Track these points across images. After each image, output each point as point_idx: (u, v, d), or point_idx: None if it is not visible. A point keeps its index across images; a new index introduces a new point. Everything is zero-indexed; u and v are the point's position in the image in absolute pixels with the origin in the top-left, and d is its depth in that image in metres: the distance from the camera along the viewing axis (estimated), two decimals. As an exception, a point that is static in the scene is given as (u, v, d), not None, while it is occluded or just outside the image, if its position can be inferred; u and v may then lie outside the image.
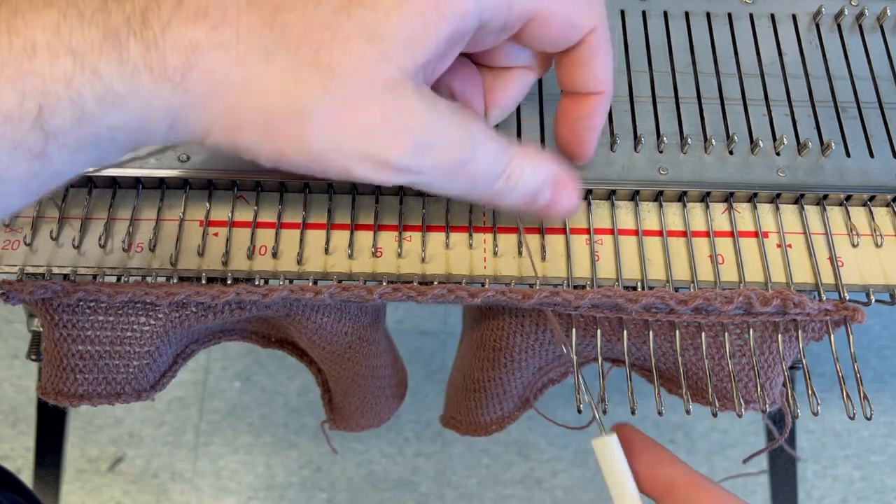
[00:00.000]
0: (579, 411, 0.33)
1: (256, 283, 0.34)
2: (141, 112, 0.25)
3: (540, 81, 0.38)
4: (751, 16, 0.42)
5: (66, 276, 0.34)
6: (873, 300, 0.35)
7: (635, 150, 0.37)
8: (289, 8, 0.25)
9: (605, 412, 0.34)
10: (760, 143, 0.37)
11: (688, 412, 0.34)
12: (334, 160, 0.26)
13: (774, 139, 0.38)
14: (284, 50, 0.25)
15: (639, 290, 0.34)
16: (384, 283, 0.34)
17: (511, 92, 0.33)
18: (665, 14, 0.41)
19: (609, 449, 0.30)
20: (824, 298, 0.34)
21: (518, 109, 0.37)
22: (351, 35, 0.25)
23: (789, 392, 0.35)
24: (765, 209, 0.37)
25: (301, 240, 0.35)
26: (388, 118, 0.26)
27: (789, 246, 0.36)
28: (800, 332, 0.34)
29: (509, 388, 0.40)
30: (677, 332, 0.35)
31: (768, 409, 0.35)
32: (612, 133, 0.37)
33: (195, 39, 0.24)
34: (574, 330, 0.35)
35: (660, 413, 0.33)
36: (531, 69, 0.33)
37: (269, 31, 0.25)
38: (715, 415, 0.34)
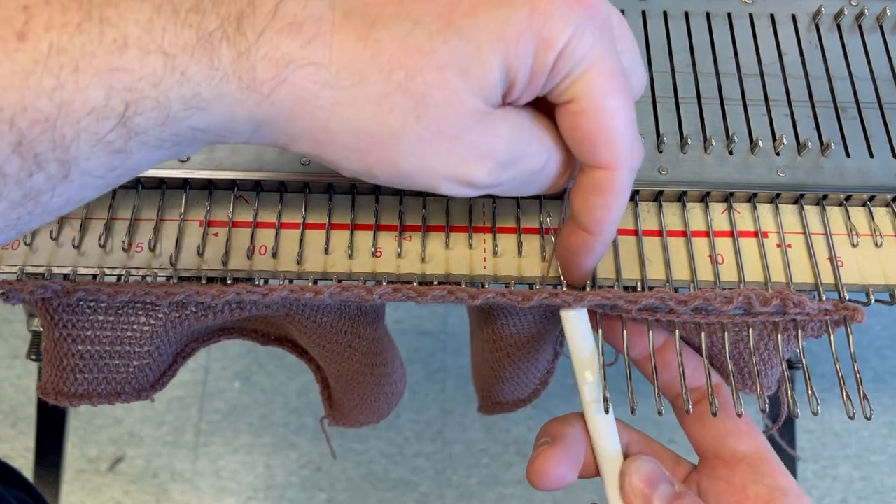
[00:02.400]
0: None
1: (256, 283, 0.34)
2: (224, 117, 0.24)
3: None
4: (750, 16, 0.42)
5: (66, 276, 0.34)
6: (873, 300, 0.35)
7: (635, 150, 0.37)
8: (384, 25, 0.25)
9: (606, 411, 0.34)
10: (760, 143, 0.37)
11: (687, 412, 0.34)
12: (422, 179, 0.27)
13: (774, 139, 0.38)
14: (378, 72, 0.25)
15: (638, 290, 0.34)
16: (384, 284, 0.34)
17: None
18: (665, 14, 0.41)
19: (576, 321, 0.33)
20: (824, 298, 0.34)
21: None
22: (445, 65, 0.25)
23: (789, 392, 0.35)
24: (764, 209, 0.37)
25: (301, 240, 0.35)
26: (477, 145, 0.27)
27: (789, 246, 0.36)
28: (799, 331, 0.34)
29: (535, 365, 0.42)
30: (677, 332, 0.35)
31: (767, 407, 0.35)
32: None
33: (288, 54, 0.24)
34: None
35: (660, 413, 0.33)
36: None
37: (363, 49, 0.25)
38: (714, 414, 0.34)
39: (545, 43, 0.25)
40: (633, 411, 0.33)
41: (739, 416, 0.34)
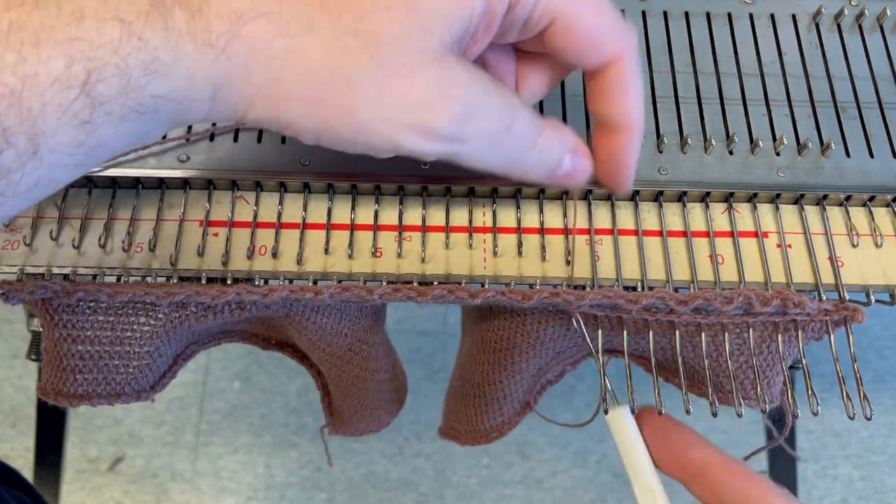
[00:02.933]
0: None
1: (256, 283, 0.34)
2: (184, 81, 0.25)
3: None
4: (751, 16, 0.42)
5: (66, 276, 0.34)
6: (873, 300, 0.35)
7: (635, 150, 0.37)
8: None
9: (606, 412, 0.34)
10: (760, 143, 0.37)
11: (688, 412, 0.34)
12: (382, 130, 0.27)
13: (774, 139, 0.38)
14: (327, 18, 0.25)
15: (639, 290, 0.34)
16: (384, 284, 0.34)
17: (543, 78, 0.33)
18: (665, 14, 0.41)
19: (621, 421, 0.30)
20: (824, 298, 0.34)
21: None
22: (392, 5, 0.25)
23: (789, 392, 0.35)
24: (765, 209, 0.37)
25: (301, 240, 0.35)
26: (435, 86, 0.26)
27: (789, 246, 0.36)
28: (800, 332, 0.34)
29: (510, 392, 0.40)
30: (677, 332, 0.35)
31: (768, 409, 0.35)
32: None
33: (239, 8, 0.25)
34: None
35: (660, 413, 0.33)
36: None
37: None
38: (715, 414, 0.34)
39: None
40: (632, 411, 0.33)
41: (740, 416, 0.34)
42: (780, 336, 0.34)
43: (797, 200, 0.37)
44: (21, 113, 0.22)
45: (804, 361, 0.35)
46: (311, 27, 0.25)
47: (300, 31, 0.25)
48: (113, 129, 0.25)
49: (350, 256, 0.35)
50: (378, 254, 0.35)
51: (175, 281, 0.34)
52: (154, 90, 0.25)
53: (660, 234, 0.36)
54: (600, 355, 0.35)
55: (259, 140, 0.37)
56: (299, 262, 0.35)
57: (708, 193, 0.36)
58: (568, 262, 0.35)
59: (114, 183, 0.36)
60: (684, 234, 0.36)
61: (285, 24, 0.25)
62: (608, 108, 0.30)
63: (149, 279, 0.34)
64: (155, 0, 0.24)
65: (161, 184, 0.36)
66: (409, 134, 0.27)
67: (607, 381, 0.32)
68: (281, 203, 0.36)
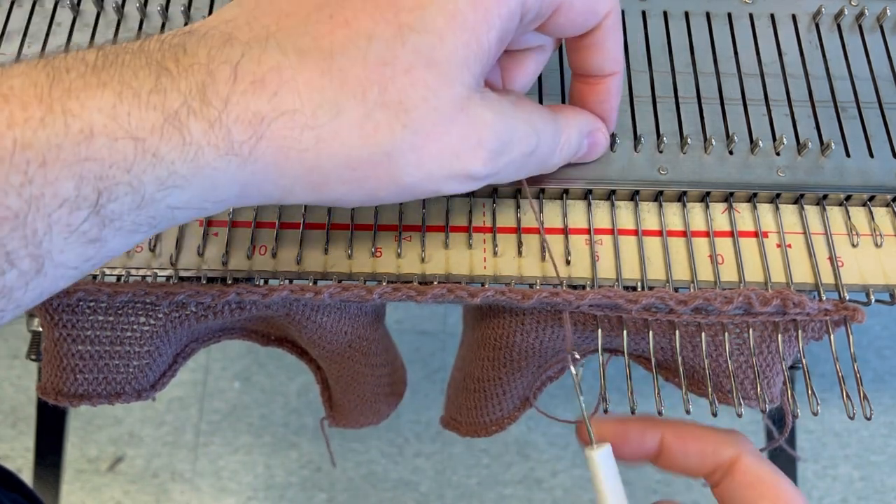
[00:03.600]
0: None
1: (256, 283, 0.34)
2: (205, 190, 0.24)
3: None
4: (751, 16, 0.42)
5: (65, 276, 0.34)
6: (873, 300, 0.35)
7: (635, 150, 0.37)
8: (340, 51, 0.25)
9: (605, 411, 0.34)
10: (760, 143, 0.37)
11: (688, 412, 0.34)
12: (424, 186, 0.27)
13: (774, 139, 0.38)
14: (352, 98, 0.25)
15: (639, 289, 0.34)
16: (384, 283, 0.34)
17: (527, 71, 0.33)
18: (665, 14, 0.41)
19: (601, 460, 0.30)
20: (824, 298, 0.34)
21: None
22: (410, 66, 0.25)
23: (789, 392, 0.35)
24: (765, 209, 0.37)
25: (301, 240, 0.35)
26: (466, 137, 0.27)
27: (789, 246, 0.36)
28: (800, 332, 0.34)
29: (509, 388, 0.40)
30: (677, 332, 0.34)
31: (767, 409, 0.35)
32: (611, 133, 0.37)
33: (259, 111, 0.24)
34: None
35: (659, 413, 0.33)
36: (545, 48, 0.33)
37: (330, 81, 0.24)
38: (715, 414, 0.34)
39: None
40: (633, 411, 0.33)
41: (739, 416, 0.34)
42: (780, 336, 0.34)
43: (797, 200, 0.37)
44: (26, 235, 0.21)
45: (804, 361, 0.35)
46: (338, 112, 0.25)
47: (328, 119, 0.25)
48: (123, 241, 0.24)
49: (350, 256, 0.35)
50: (378, 254, 0.35)
51: (175, 281, 0.34)
52: (171, 202, 0.24)
53: (660, 234, 0.36)
54: (601, 356, 0.35)
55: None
56: (299, 262, 0.35)
57: (708, 193, 0.36)
58: (568, 262, 0.35)
59: (114, 183, 0.36)
60: (684, 234, 0.36)
61: (310, 116, 0.24)
62: (598, 58, 0.31)
63: (149, 279, 0.34)
64: (168, 113, 0.23)
65: (161, 184, 0.36)
66: (449, 183, 0.27)
67: (580, 392, 0.32)
68: (281, 203, 0.36)
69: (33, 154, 0.21)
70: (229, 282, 0.35)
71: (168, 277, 0.35)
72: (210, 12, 0.40)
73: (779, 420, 0.37)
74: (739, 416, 0.34)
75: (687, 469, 0.31)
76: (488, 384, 0.40)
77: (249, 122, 0.24)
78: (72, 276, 0.24)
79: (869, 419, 0.33)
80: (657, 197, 0.37)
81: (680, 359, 0.35)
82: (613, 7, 0.30)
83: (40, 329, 0.49)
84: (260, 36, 0.25)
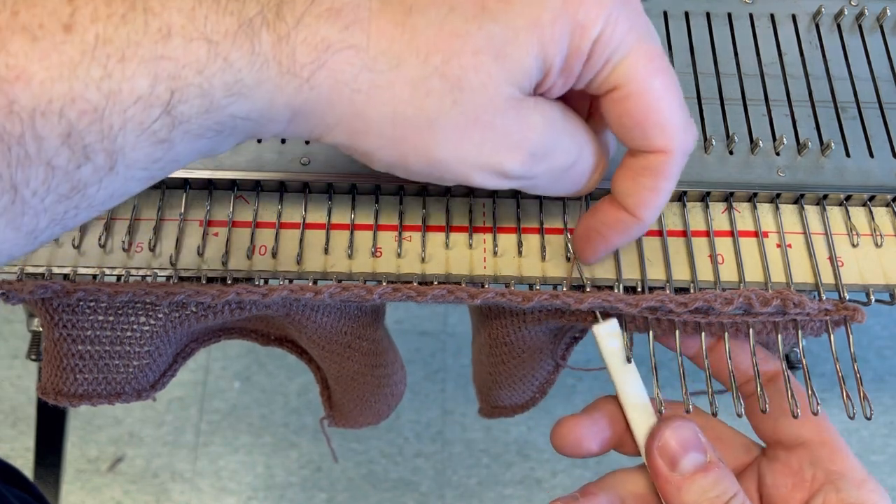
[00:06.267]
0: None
1: (256, 283, 0.34)
2: (264, 104, 0.25)
3: None
4: (751, 16, 0.42)
5: (66, 276, 0.34)
6: (873, 300, 0.35)
7: (635, 150, 0.37)
8: (421, 11, 0.25)
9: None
10: (760, 143, 0.37)
11: (688, 412, 0.34)
12: (455, 168, 0.27)
13: (774, 139, 0.38)
14: (415, 57, 0.25)
15: (639, 290, 0.34)
16: (384, 283, 0.34)
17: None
18: (665, 14, 0.41)
19: (611, 335, 0.30)
20: (824, 298, 0.34)
21: None
22: (480, 49, 0.25)
23: (790, 392, 0.34)
24: (765, 209, 0.37)
25: (301, 240, 0.35)
26: (510, 133, 0.27)
27: (789, 246, 0.36)
28: (800, 331, 0.34)
29: (533, 369, 0.41)
30: (677, 332, 0.35)
31: (767, 409, 0.35)
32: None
33: (327, 38, 0.24)
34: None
35: (660, 413, 0.33)
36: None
37: (401, 34, 0.25)
38: (715, 414, 0.34)
39: (580, 28, 0.26)
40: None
41: (740, 416, 0.34)
42: (780, 336, 0.34)
43: (797, 200, 0.37)
44: (102, 130, 0.22)
45: (804, 361, 0.35)
46: (399, 64, 0.25)
47: (387, 68, 0.25)
48: (189, 146, 0.24)
49: (350, 256, 0.35)
50: (378, 254, 0.35)
51: (175, 281, 0.34)
52: (234, 111, 0.24)
53: (660, 234, 0.36)
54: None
55: (259, 140, 0.37)
56: (299, 262, 0.35)
57: (708, 193, 0.36)
58: (568, 259, 0.35)
59: (114, 183, 0.36)
60: (684, 233, 0.36)
61: (372, 59, 0.25)
62: (628, 187, 0.30)
63: (149, 279, 0.34)
64: (243, 20, 0.23)
65: (161, 184, 0.36)
66: (481, 174, 0.27)
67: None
68: (281, 203, 0.36)
69: (113, 49, 0.22)
70: (229, 282, 0.34)
71: (168, 277, 0.35)
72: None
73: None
74: (740, 416, 0.34)
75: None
76: (511, 378, 0.42)
77: (315, 46, 0.24)
78: (140, 178, 0.24)
79: (869, 419, 0.33)
80: (657, 197, 0.37)
81: (680, 359, 0.35)
82: (672, 153, 0.28)
83: (40, 329, 0.49)
84: None
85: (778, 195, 0.36)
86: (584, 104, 0.32)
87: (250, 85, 0.24)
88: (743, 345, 0.34)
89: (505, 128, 0.27)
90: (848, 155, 0.37)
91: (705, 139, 0.37)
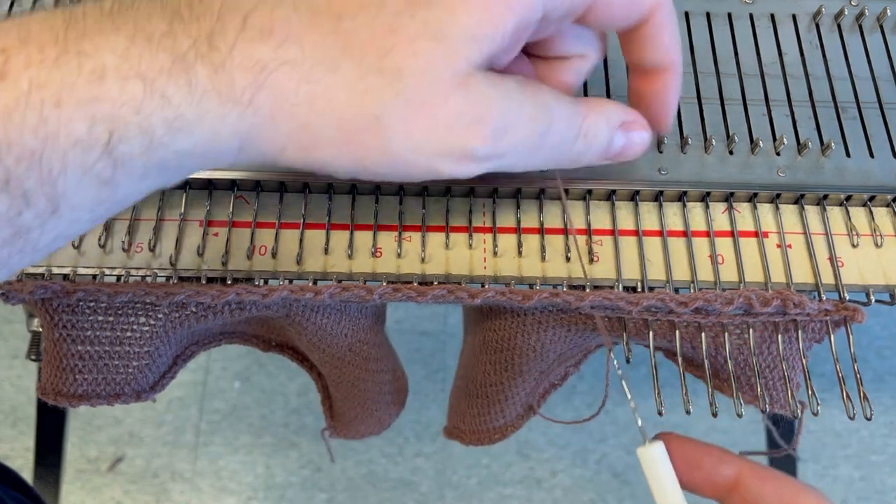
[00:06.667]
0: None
1: (256, 283, 0.34)
2: (209, 136, 0.24)
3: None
4: (751, 16, 0.42)
5: (65, 276, 0.34)
6: (873, 300, 0.35)
7: (635, 150, 0.37)
8: (351, 15, 0.25)
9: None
10: (760, 143, 0.37)
11: (688, 412, 0.34)
12: (416, 161, 0.27)
13: (774, 139, 0.38)
14: (350, 59, 0.25)
15: (639, 290, 0.34)
16: (384, 284, 0.34)
17: (566, 82, 0.32)
18: (665, 14, 0.41)
19: (654, 458, 0.30)
20: (824, 298, 0.34)
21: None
22: (416, 36, 0.25)
23: (790, 392, 0.34)
24: (765, 209, 0.37)
25: (300, 240, 0.35)
26: (463, 112, 0.26)
27: (789, 246, 0.36)
28: (800, 332, 0.34)
29: (512, 393, 0.40)
30: (677, 332, 0.34)
31: (767, 410, 0.35)
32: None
33: (262, 59, 0.24)
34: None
35: (660, 413, 0.33)
36: (586, 57, 0.32)
37: (333, 41, 0.25)
38: (714, 414, 0.34)
39: None
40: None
41: (739, 416, 0.34)
42: (780, 336, 0.34)
43: (797, 200, 0.37)
44: (41, 174, 0.22)
45: (804, 361, 0.35)
46: (335, 70, 0.25)
47: (323, 76, 0.25)
48: (135, 185, 0.24)
49: (350, 256, 0.35)
50: (378, 254, 0.35)
51: (175, 281, 0.34)
52: (178, 147, 0.24)
53: (660, 234, 0.36)
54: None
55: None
56: (299, 262, 0.35)
57: (708, 193, 0.36)
58: (568, 259, 0.35)
59: (114, 183, 0.36)
60: (684, 234, 0.36)
61: (308, 70, 0.25)
62: (650, 55, 0.30)
63: (149, 279, 0.34)
64: (177, 56, 0.23)
65: (161, 184, 0.36)
66: (445, 161, 0.27)
67: (638, 419, 0.31)
68: (281, 203, 0.36)
69: (48, 93, 0.22)
70: (229, 282, 0.34)
71: (168, 277, 0.35)
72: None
73: (779, 421, 0.37)
74: (739, 416, 0.34)
75: None
76: (491, 389, 0.40)
77: (251, 69, 0.24)
78: (87, 220, 0.24)
79: (869, 419, 0.33)
80: (657, 197, 0.37)
81: (680, 359, 0.35)
82: (661, 1, 0.29)
83: (40, 329, 0.49)
84: None
85: (778, 195, 0.36)
86: (530, 70, 0.32)
87: (192, 119, 0.24)
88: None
89: (456, 107, 0.26)
90: (848, 155, 0.37)
91: (705, 139, 0.37)
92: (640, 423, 0.30)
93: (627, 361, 0.33)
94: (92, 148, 0.22)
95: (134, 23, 0.23)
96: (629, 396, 0.31)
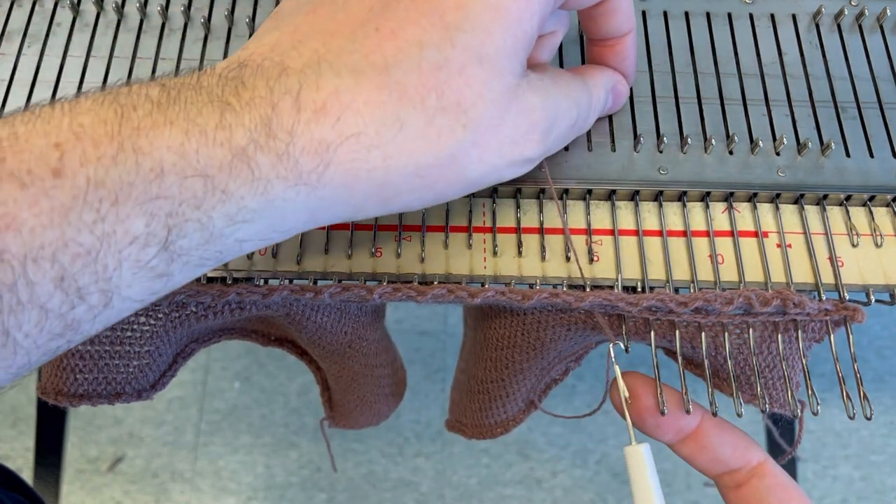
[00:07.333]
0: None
1: (256, 283, 0.34)
2: (275, 220, 0.24)
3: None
4: (751, 16, 0.42)
5: (65, 276, 0.34)
6: (873, 300, 0.35)
7: (635, 149, 0.37)
8: (395, 63, 0.25)
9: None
10: (760, 143, 0.37)
11: (688, 412, 0.34)
12: (488, 180, 0.28)
13: (774, 139, 0.38)
14: (411, 108, 0.25)
15: (639, 290, 0.34)
16: (384, 283, 0.34)
17: (542, 58, 0.34)
18: (665, 14, 0.41)
19: (640, 457, 0.30)
20: (824, 298, 0.34)
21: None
22: (463, 66, 0.25)
23: (790, 392, 0.35)
24: (765, 209, 0.37)
25: (300, 240, 0.35)
26: (518, 124, 0.27)
27: (789, 246, 0.36)
28: (800, 332, 0.34)
29: (513, 390, 0.40)
30: (677, 332, 0.35)
31: (767, 409, 0.35)
32: (611, 133, 0.37)
33: (324, 139, 0.24)
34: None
35: (661, 413, 0.33)
36: (556, 33, 0.34)
37: (388, 95, 0.24)
38: (714, 414, 0.34)
39: None
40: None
41: (739, 415, 0.34)
42: (780, 336, 0.34)
43: (797, 200, 0.37)
44: (97, 271, 0.21)
45: (804, 361, 0.35)
46: (401, 125, 0.25)
47: (392, 134, 0.25)
48: (189, 274, 0.24)
49: (349, 256, 0.35)
50: (378, 254, 0.35)
51: (175, 281, 0.34)
52: (240, 236, 0.24)
53: (660, 234, 0.36)
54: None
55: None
56: (299, 262, 0.35)
57: (708, 193, 0.36)
58: (568, 259, 0.35)
59: (114, 183, 0.36)
60: (684, 233, 0.36)
61: (374, 135, 0.24)
62: (613, 22, 0.33)
63: (149, 279, 0.34)
64: (236, 150, 0.23)
65: (161, 184, 0.36)
66: (510, 169, 0.28)
67: (628, 417, 0.32)
68: (281, 203, 0.36)
69: (106, 192, 0.21)
70: (229, 282, 0.34)
71: (168, 277, 0.35)
72: (210, 13, 0.40)
73: (779, 421, 0.37)
74: (739, 415, 0.34)
75: (713, 460, 0.31)
76: (492, 386, 0.40)
77: (316, 150, 0.24)
78: (135, 307, 0.24)
79: (869, 419, 0.33)
80: (657, 197, 0.37)
81: (680, 359, 0.35)
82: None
83: (40, 329, 0.49)
84: (311, 61, 0.25)
85: (778, 195, 0.36)
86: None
87: (255, 209, 0.23)
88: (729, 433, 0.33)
89: (513, 122, 0.27)
90: (848, 155, 0.37)
91: (705, 139, 0.37)
92: (629, 421, 0.31)
93: (626, 351, 0.34)
94: (149, 244, 0.22)
95: (185, 115, 0.23)
96: (626, 395, 0.32)
